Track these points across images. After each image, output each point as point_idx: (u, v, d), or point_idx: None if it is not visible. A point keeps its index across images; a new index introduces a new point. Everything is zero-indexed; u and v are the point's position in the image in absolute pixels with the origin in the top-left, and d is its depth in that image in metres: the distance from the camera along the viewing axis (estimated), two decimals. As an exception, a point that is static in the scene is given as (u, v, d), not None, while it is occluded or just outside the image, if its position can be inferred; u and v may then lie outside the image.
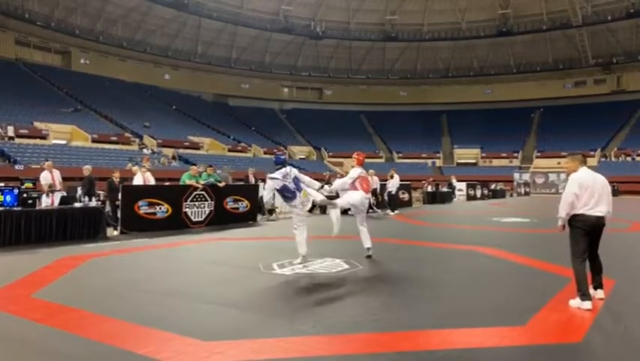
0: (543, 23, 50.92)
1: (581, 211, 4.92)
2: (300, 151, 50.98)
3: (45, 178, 11.75)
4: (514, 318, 4.45)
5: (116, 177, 11.52)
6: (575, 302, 4.78)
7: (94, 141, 33.13)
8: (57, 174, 12.09)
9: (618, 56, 51.37)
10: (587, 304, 4.68)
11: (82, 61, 45.79)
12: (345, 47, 56.78)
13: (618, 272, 6.66)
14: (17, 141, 28.81)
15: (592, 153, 47.06)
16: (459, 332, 4.12)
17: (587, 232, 4.92)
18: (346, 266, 6.77)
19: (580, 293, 4.77)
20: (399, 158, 51.70)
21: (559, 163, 46.43)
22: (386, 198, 18.48)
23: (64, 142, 32.71)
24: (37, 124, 32.04)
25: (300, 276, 6.31)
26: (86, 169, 12.12)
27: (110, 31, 46.46)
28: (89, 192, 10.92)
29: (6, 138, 28.46)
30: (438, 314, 4.68)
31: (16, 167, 23.77)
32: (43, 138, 31.25)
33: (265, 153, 45.50)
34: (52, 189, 10.16)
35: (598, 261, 5.12)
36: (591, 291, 4.91)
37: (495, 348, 3.72)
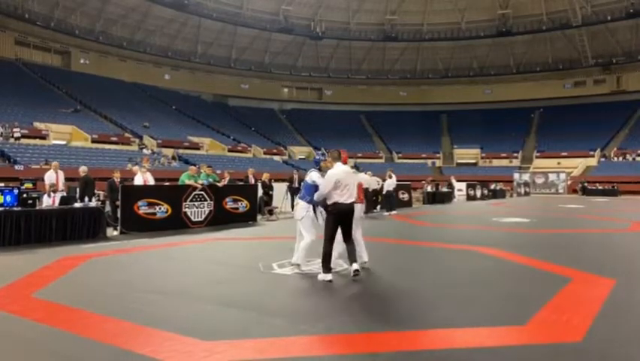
0: (543, 23, 50.94)
1: (335, 200, 5.98)
2: (299, 151, 50.98)
3: (49, 178, 11.72)
4: (514, 318, 4.45)
5: (117, 177, 11.51)
6: (321, 276, 5.95)
7: (94, 141, 33.16)
8: (61, 174, 12.07)
9: (618, 56, 51.41)
10: (328, 276, 5.90)
11: (82, 61, 45.85)
12: (345, 47, 56.82)
13: (618, 272, 6.68)
14: (17, 141, 28.83)
15: (591, 152, 47.12)
16: (459, 331, 4.12)
17: (338, 218, 6.01)
18: (346, 266, 6.75)
19: (324, 268, 5.95)
20: (399, 158, 51.74)
21: (559, 163, 46.52)
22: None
23: (64, 142, 32.75)
24: (36, 124, 32.07)
25: (300, 276, 6.31)
26: (82, 170, 12.07)
27: (109, 31, 46.51)
28: (85, 193, 10.87)
29: (12, 139, 28.52)
30: (438, 314, 4.68)
31: (16, 167, 23.80)
32: (43, 138, 31.28)
33: (265, 153, 45.53)
34: (54, 189, 10.14)
35: (352, 242, 6.16)
36: (353, 266, 6.01)
37: (495, 348, 3.72)
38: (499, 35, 52.58)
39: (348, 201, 6.06)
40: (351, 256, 6.06)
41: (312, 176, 6.59)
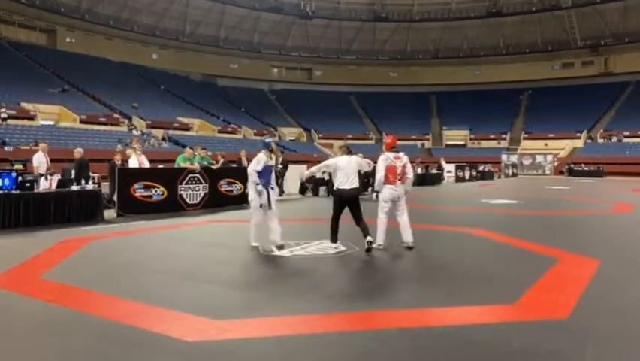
0: (532, 4, 51.01)
1: (336, 186, 6.86)
2: (290, 133, 50.94)
3: (38, 161, 11.71)
4: (504, 296, 4.71)
5: (117, 159, 11.58)
6: (331, 247, 6.86)
7: (82, 121, 32.85)
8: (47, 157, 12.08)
9: (606, 38, 51.76)
10: (335, 245, 6.90)
11: (67, 40, 45.07)
12: (335, 27, 56.44)
13: (603, 252, 6.99)
14: (4, 122, 28.48)
15: (578, 134, 47.72)
16: (453, 310, 4.37)
17: (340, 201, 6.87)
18: (343, 248, 6.98)
19: (331, 240, 6.97)
20: (389, 139, 51.88)
21: (546, 145, 47.09)
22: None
23: (52, 123, 32.39)
24: (24, 105, 31.66)
25: (299, 258, 6.52)
26: (77, 152, 12.07)
27: (95, 9, 45.67)
28: (81, 176, 10.92)
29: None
30: (432, 294, 4.94)
31: (6, 148, 23.59)
32: (31, 118, 30.93)
33: (255, 134, 45.43)
34: (51, 172, 10.19)
35: (362, 223, 6.80)
36: (367, 238, 6.62)
37: (487, 324, 3.97)
38: (489, 16, 52.59)
39: (349, 187, 6.76)
40: (364, 231, 6.70)
41: (260, 159, 6.97)
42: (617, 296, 4.88)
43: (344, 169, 6.79)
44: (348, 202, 6.83)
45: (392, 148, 7.21)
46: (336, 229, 6.95)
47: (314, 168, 7.34)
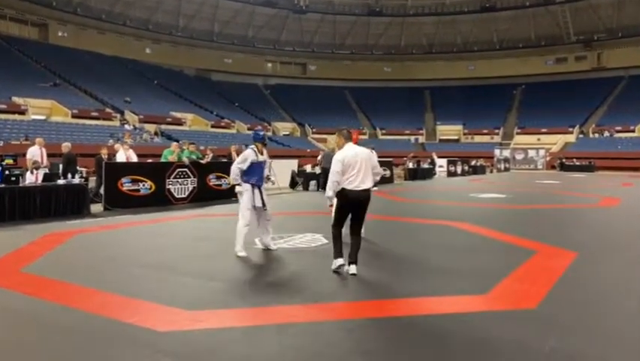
0: (526, -1, 51.09)
1: (343, 186, 5.25)
2: (283, 127, 50.88)
3: (32, 153, 11.65)
4: (477, 287, 4.79)
5: (104, 153, 11.59)
6: (333, 264, 5.34)
7: (74, 116, 32.70)
8: (44, 151, 12.06)
9: (599, 33, 51.89)
10: (339, 261, 5.29)
11: (60, 34, 44.80)
12: (330, 22, 56.33)
13: (582, 245, 7.09)
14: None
15: (570, 129, 47.92)
16: (424, 300, 4.45)
17: (346, 206, 5.33)
18: (325, 241, 7.04)
19: (334, 253, 5.34)
20: (382, 134, 52.02)
21: (538, 139, 47.26)
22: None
23: (43, 117, 32.25)
24: (15, 99, 31.47)
25: (281, 251, 6.58)
26: (65, 146, 12.08)
27: (88, 3, 45.38)
28: (68, 170, 10.93)
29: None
30: (410, 285, 5.01)
31: (-4, 143, 23.48)
32: (22, 113, 30.77)
33: (249, 129, 45.36)
34: (36, 166, 10.19)
35: (359, 237, 5.42)
36: (350, 267, 5.25)
37: (456, 314, 4.05)
38: (483, 11, 52.62)
39: (358, 188, 5.22)
40: (352, 254, 5.31)
41: (247, 155, 6.32)
42: (587, 288, 4.97)
43: (351, 164, 5.24)
44: (355, 206, 5.33)
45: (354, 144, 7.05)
46: (340, 240, 5.38)
47: (330, 193, 5.30)
